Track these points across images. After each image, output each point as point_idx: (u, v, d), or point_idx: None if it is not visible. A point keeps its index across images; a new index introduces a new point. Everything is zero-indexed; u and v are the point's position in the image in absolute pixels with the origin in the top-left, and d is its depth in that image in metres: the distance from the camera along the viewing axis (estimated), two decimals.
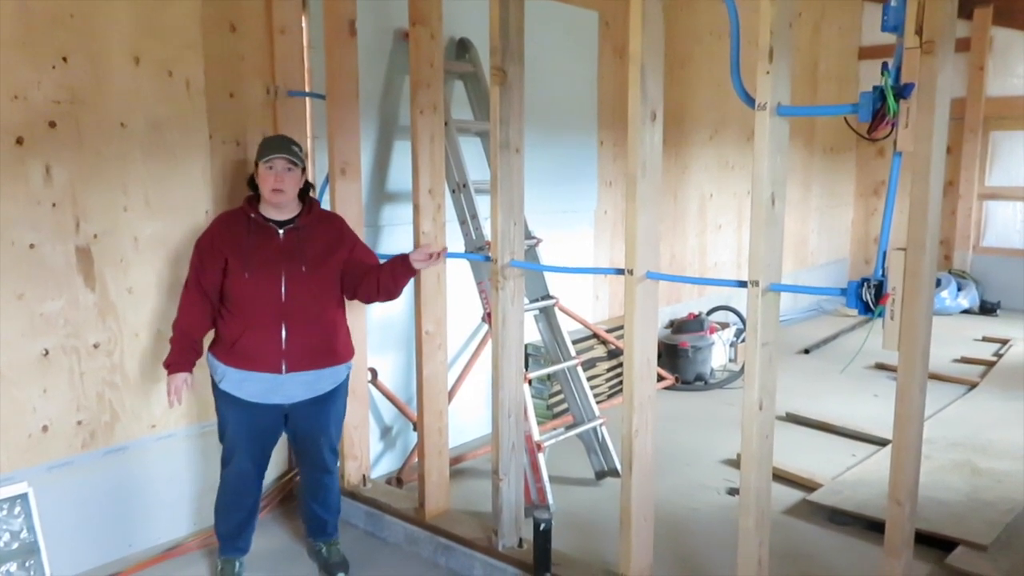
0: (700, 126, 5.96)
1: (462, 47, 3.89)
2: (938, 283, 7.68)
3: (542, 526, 2.53)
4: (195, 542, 3.09)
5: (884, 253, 1.90)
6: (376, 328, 3.62)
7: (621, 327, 5.27)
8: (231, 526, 2.83)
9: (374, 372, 3.63)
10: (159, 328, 2.99)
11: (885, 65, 1.80)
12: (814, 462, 3.98)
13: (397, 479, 3.66)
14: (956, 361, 5.89)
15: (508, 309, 2.72)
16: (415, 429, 3.79)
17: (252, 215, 2.66)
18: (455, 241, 3.52)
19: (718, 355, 5.63)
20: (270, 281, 2.62)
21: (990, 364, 5.71)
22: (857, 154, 8.50)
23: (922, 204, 1.84)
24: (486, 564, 2.83)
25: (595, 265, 5.10)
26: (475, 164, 3.76)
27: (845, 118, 1.94)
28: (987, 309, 7.50)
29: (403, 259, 2.79)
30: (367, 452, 3.43)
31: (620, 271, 2.39)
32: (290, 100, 3.26)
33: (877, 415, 4.68)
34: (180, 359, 2.66)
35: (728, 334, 5.84)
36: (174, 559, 3.01)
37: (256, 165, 2.65)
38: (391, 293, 2.79)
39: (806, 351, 6.26)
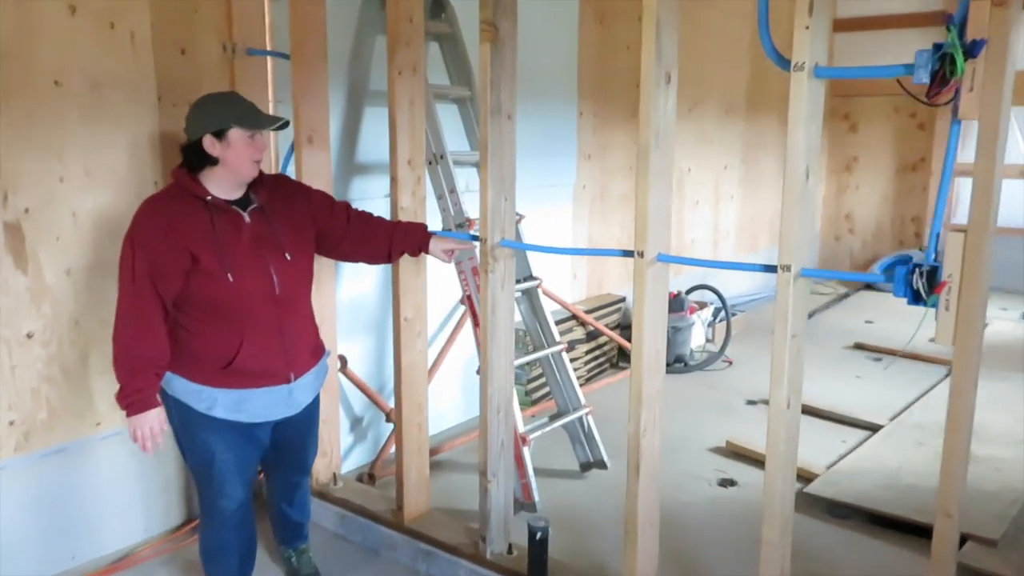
0: (679, 98, 5.70)
1: (437, 5, 3.57)
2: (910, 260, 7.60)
3: (538, 535, 2.29)
4: (148, 550, 2.80)
5: (937, 235, 1.68)
6: (344, 311, 3.33)
7: (600, 307, 5.06)
8: (232, 570, 2.40)
9: (343, 360, 3.35)
10: (102, 315, 2.66)
11: (950, 19, 1.56)
12: (804, 449, 3.74)
13: (369, 475, 3.40)
14: (932, 340, 5.78)
15: (498, 294, 2.46)
16: (388, 420, 3.54)
17: (208, 198, 2.16)
18: (432, 217, 3.24)
19: (697, 335, 5.45)
20: (259, 279, 2.20)
21: None
22: (829, 130, 8.35)
23: (987, 180, 1.63)
24: (473, 573, 2.59)
25: (573, 242, 4.85)
26: (451, 134, 3.47)
27: (899, 81, 1.71)
28: None
29: (422, 243, 2.57)
30: (338, 447, 3.15)
31: (628, 253, 2.15)
32: (250, 59, 2.93)
33: (862, 398, 4.55)
34: (149, 395, 2.13)
35: (706, 314, 5.66)
36: (125, 571, 2.71)
37: (221, 133, 2.12)
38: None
39: None
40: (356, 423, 3.62)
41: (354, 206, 3.31)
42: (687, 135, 5.90)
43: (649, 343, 2.12)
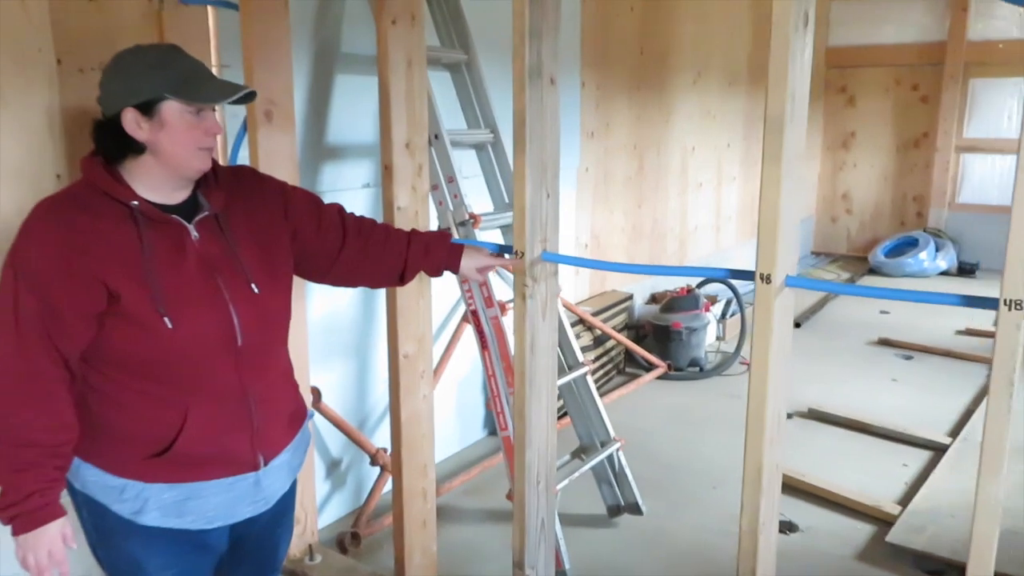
0: (683, 68, 5.09)
1: None
2: (915, 243, 7.13)
3: None
4: None
5: None
6: (316, 332, 2.65)
7: (607, 308, 4.43)
8: None
9: (317, 393, 2.67)
10: None
11: None
12: (863, 477, 3.26)
13: (353, 534, 2.73)
14: (960, 333, 5.31)
15: (539, 326, 1.79)
16: (373, 463, 2.88)
17: (134, 203, 1.42)
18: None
19: (709, 334, 4.86)
20: (213, 323, 1.46)
21: None
22: (825, 103, 7.81)
23: None
24: None
25: (576, 234, 4.20)
26: (445, 108, 2.78)
27: None
28: (965, 270, 6.99)
29: (450, 261, 1.86)
30: (314, 510, 2.48)
31: (743, 274, 1.51)
32: (184, 10, 2.19)
33: (907, 407, 4.01)
34: (46, 501, 1.40)
35: (717, 308, 5.07)
36: None
37: (150, 106, 1.39)
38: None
39: (797, 324, 5.57)
40: (333, 467, 2.94)
41: (324, 199, 2.63)
42: (692, 109, 5.28)
43: (773, 403, 1.48)
